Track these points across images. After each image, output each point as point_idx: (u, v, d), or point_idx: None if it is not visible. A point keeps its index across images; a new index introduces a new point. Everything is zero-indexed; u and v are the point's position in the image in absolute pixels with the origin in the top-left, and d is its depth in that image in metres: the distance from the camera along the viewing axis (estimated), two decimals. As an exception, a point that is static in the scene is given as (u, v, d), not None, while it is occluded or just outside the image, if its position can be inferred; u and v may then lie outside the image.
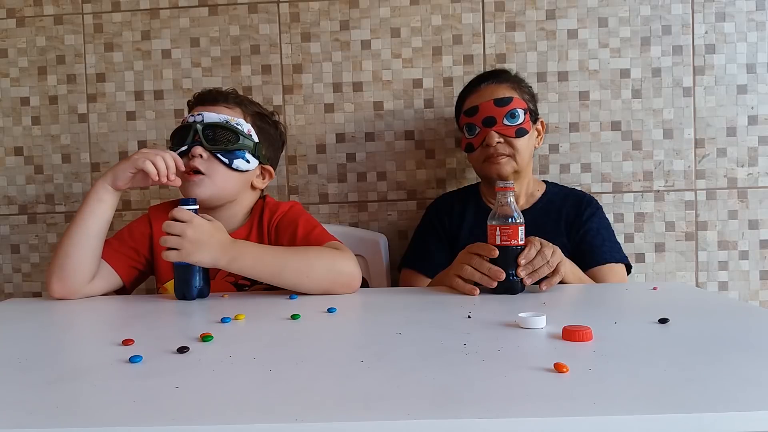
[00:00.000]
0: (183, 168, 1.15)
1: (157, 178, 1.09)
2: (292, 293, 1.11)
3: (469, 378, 0.60)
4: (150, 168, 1.08)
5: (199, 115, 1.19)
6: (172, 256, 1.03)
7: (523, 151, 1.37)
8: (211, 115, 1.19)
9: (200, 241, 1.03)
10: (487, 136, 1.36)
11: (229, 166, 1.20)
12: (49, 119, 1.70)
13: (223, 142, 1.19)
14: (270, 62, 1.67)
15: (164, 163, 1.10)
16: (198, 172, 1.17)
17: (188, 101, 1.30)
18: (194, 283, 1.08)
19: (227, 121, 1.19)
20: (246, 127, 1.22)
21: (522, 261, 1.05)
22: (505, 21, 1.64)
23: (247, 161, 1.22)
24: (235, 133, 1.20)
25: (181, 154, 1.18)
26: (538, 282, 1.07)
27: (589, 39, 1.63)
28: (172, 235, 1.03)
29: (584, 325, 0.75)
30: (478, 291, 1.06)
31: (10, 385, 0.62)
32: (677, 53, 1.62)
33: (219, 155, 1.19)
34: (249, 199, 1.29)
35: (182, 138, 1.19)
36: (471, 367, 0.64)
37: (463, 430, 0.50)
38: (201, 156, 1.18)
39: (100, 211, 1.11)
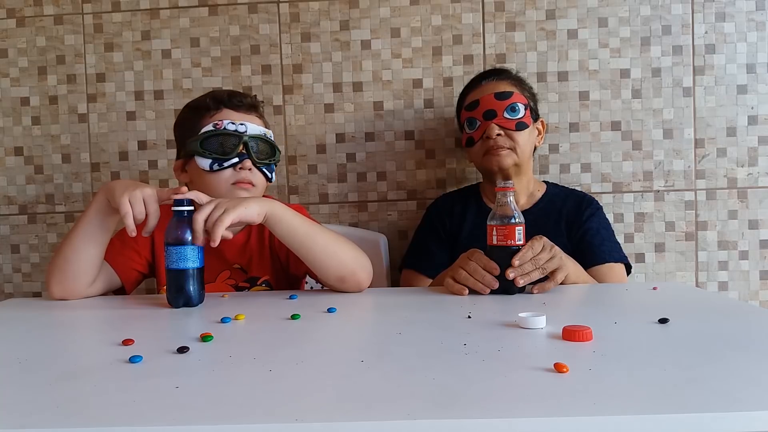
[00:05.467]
0: (154, 225, 1.05)
1: (133, 235, 1.01)
2: (292, 293, 1.11)
3: (469, 378, 0.60)
4: (130, 224, 1.00)
5: (242, 125, 1.18)
6: (226, 221, 0.96)
7: (523, 144, 1.37)
8: (254, 127, 1.20)
9: (236, 201, 1.02)
10: (487, 129, 1.36)
11: (269, 179, 1.24)
12: (49, 119, 1.70)
13: (265, 156, 1.22)
14: (270, 62, 1.67)
15: (141, 222, 1.02)
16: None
17: (208, 98, 1.22)
18: (189, 289, 1.01)
19: (265, 134, 1.22)
20: (273, 137, 1.25)
21: (515, 262, 1.04)
22: (505, 21, 1.64)
23: (274, 172, 1.26)
24: (272, 147, 1.24)
25: (224, 161, 1.16)
26: (532, 284, 1.06)
27: (589, 39, 1.63)
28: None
29: (584, 325, 0.75)
30: (467, 291, 1.06)
31: (10, 385, 0.62)
32: (677, 53, 1.62)
33: (264, 170, 1.21)
34: None
35: (227, 146, 1.17)
36: (471, 367, 0.64)
37: (463, 430, 0.50)
38: (249, 169, 1.19)
39: (100, 222, 1.09)
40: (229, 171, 1.17)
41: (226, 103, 1.21)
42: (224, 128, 1.17)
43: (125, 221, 1.00)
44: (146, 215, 1.01)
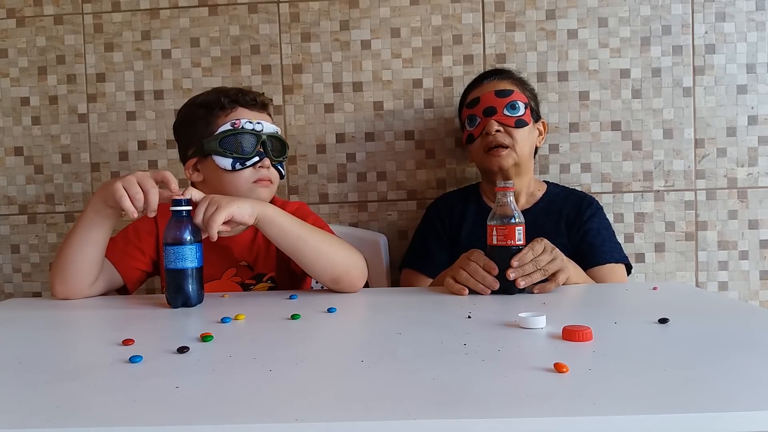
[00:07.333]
0: (156, 202, 1.04)
1: (134, 216, 1.01)
2: (292, 293, 1.11)
3: (469, 378, 0.60)
4: (127, 206, 0.99)
5: (258, 123, 1.19)
6: (218, 219, 0.99)
7: (522, 142, 1.37)
8: (269, 126, 1.21)
9: (230, 198, 1.04)
10: (486, 125, 1.37)
11: (282, 176, 1.25)
12: (49, 119, 1.70)
13: (279, 154, 1.23)
14: (270, 62, 1.67)
15: (142, 202, 1.00)
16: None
17: (221, 97, 1.20)
18: (188, 289, 1.01)
19: (277, 132, 1.23)
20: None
21: (514, 263, 1.04)
22: (505, 21, 1.64)
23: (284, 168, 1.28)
24: (283, 144, 1.25)
25: (245, 160, 1.17)
26: (533, 285, 1.06)
27: (589, 39, 1.63)
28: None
29: (584, 325, 0.75)
30: (467, 291, 1.06)
31: (10, 385, 0.62)
32: (677, 53, 1.62)
33: (279, 167, 1.23)
34: None
35: (246, 146, 1.17)
36: (471, 367, 0.64)
37: (463, 430, 0.50)
38: (268, 168, 1.20)
39: (98, 224, 1.08)
40: (249, 170, 1.18)
41: (241, 102, 1.21)
42: (242, 127, 1.17)
43: (122, 204, 0.99)
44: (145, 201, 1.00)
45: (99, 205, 1.07)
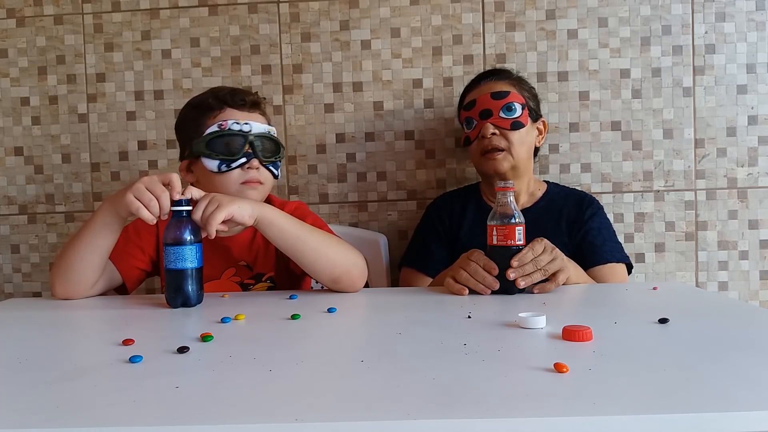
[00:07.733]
0: (168, 205, 1.04)
1: (153, 222, 1.02)
2: (292, 293, 1.11)
3: (469, 378, 0.60)
4: (146, 216, 1.00)
5: (246, 124, 1.18)
6: (218, 217, 0.99)
7: (518, 144, 1.37)
8: (258, 126, 1.20)
9: (231, 198, 1.04)
10: (482, 128, 1.37)
11: (276, 176, 1.24)
12: (49, 119, 1.70)
13: (270, 154, 1.22)
14: (270, 62, 1.67)
15: (157, 207, 1.01)
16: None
17: (210, 98, 1.21)
18: (187, 289, 1.01)
19: (270, 132, 1.22)
20: (276, 134, 1.25)
21: (514, 263, 1.04)
22: (505, 21, 1.64)
23: (279, 169, 1.26)
24: (277, 144, 1.24)
25: (231, 162, 1.16)
26: (533, 285, 1.06)
27: (589, 39, 1.63)
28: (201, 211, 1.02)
29: (584, 325, 0.75)
30: (467, 291, 1.06)
31: (10, 385, 0.62)
32: (677, 53, 1.62)
33: (270, 168, 1.22)
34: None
35: (233, 147, 1.17)
36: (471, 367, 0.64)
37: (463, 430, 0.50)
38: (257, 169, 1.19)
39: (105, 233, 1.08)
40: (237, 171, 1.18)
41: (229, 102, 1.20)
42: (229, 128, 1.17)
43: (141, 215, 0.99)
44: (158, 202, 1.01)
45: (109, 217, 1.07)
